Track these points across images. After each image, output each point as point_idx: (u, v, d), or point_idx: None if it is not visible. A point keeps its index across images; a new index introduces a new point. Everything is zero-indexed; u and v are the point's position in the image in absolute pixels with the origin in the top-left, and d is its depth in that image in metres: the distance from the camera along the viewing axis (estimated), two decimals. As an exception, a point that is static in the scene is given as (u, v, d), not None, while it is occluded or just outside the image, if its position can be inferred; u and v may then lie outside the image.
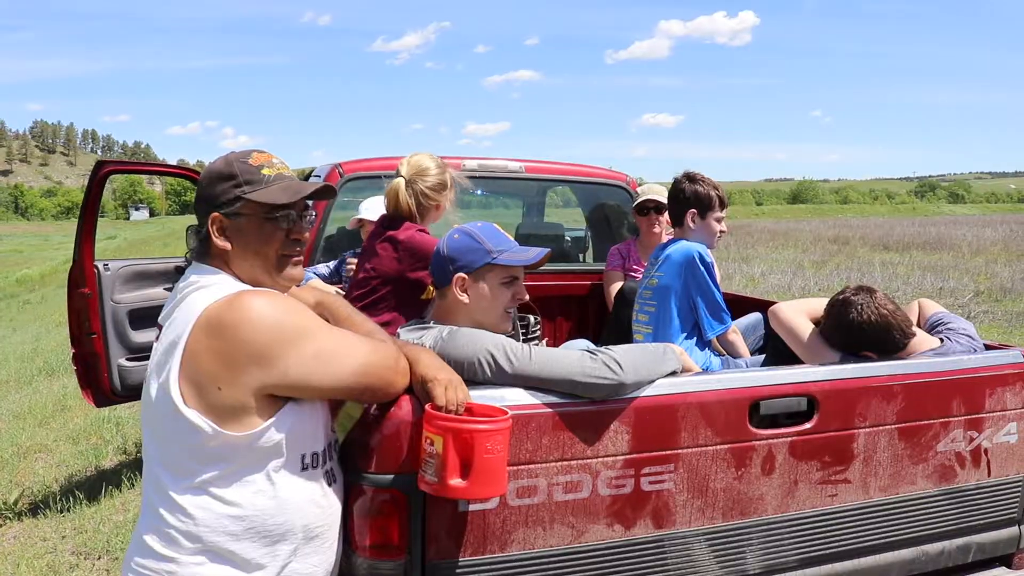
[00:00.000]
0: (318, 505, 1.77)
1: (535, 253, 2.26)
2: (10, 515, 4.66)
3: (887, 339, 2.58)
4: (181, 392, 1.63)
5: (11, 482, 5.21)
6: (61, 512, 4.66)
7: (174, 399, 1.63)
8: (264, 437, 1.67)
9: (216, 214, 1.76)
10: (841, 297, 2.65)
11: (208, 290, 1.71)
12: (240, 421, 1.64)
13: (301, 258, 1.85)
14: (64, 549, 4.17)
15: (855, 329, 2.58)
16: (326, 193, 1.88)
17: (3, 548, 4.25)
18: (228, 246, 1.77)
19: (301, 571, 1.76)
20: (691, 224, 3.36)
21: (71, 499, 4.75)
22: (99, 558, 4.04)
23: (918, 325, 2.85)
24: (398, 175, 3.14)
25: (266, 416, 1.67)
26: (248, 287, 1.75)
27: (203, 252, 1.81)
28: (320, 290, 2.17)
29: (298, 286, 3.63)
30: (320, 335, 1.71)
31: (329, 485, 1.82)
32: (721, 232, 3.41)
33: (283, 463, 1.71)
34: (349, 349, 1.75)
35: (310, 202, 1.87)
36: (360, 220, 4.06)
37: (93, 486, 5.03)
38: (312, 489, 1.76)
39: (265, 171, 1.79)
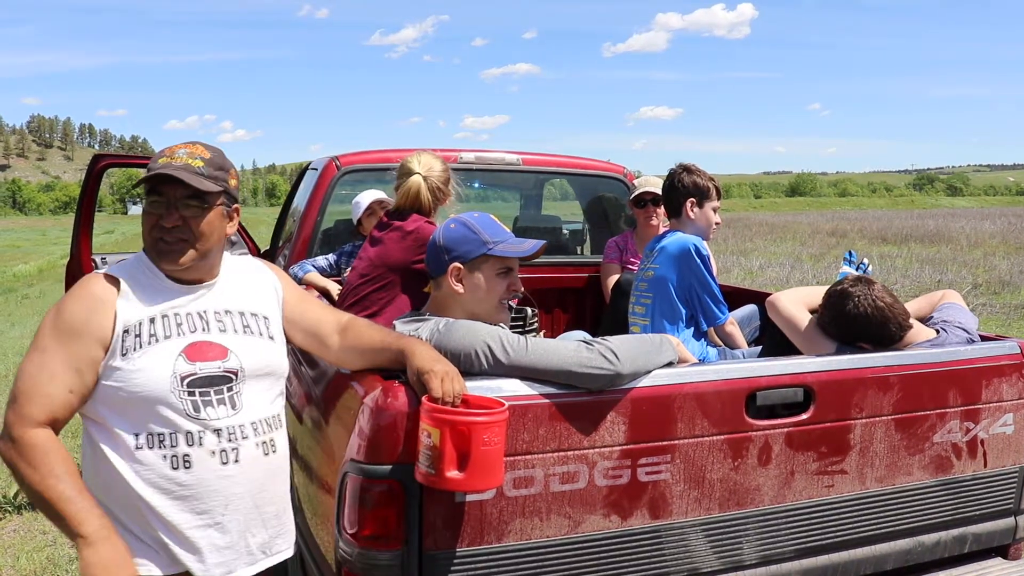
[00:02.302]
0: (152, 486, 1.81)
1: (531, 245, 2.26)
2: (10, 509, 4.67)
3: (884, 331, 2.58)
4: None
5: (11, 476, 5.21)
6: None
7: None
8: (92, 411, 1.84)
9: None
10: (839, 288, 2.65)
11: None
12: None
13: (179, 245, 1.86)
14: (63, 542, 4.18)
15: (852, 320, 2.58)
16: (159, 180, 1.84)
17: (3, 541, 4.26)
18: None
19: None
20: (690, 214, 3.37)
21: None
22: (98, 551, 4.04)
23: (929, 315, 2.86)
24: (413, 173, 3.19)
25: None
26: (113, 268, 1.93)
27: None
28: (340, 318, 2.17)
29: (297, 279, 3.64)
30: (38, 337, 1.83)
31: (174, 469, 1.81)
32: (716, 223, 3.42)
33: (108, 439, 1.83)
34: (24, 366, 1.82)
35: (207, 192, 1.86)
36: (371, 207, 4.09)
37: (92, 480, 5.03)
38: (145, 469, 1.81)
39: (161, 160, 1.86)
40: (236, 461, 1.86)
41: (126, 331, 1.82)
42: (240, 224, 5.82)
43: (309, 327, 2.11)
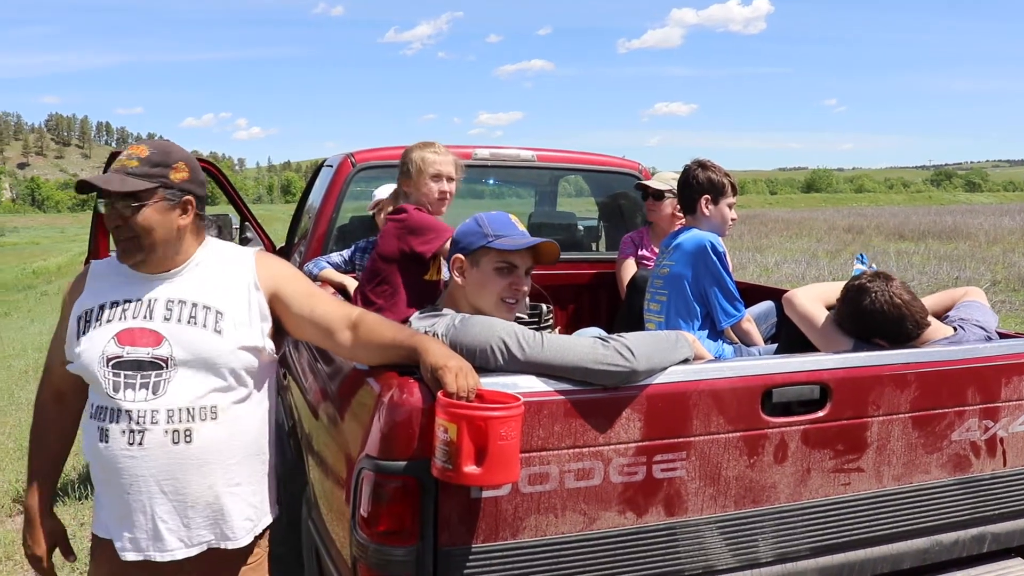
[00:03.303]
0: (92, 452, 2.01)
1: (527, 240, 2.26)
2: (29, 502, 4.72)
3: (900, 328, 2.56)
4: None
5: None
6: (79, 499, 4.72)
7: None
8: None
9: None
10: (856, 283, 2.63)
11: None
12: None
13: (126, 244, 1.99)
14: (83, 536, 4.22)
15: (868, 316, 2.56)
16: (87, 187, 2.01)
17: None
18: None
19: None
20: (704, 211, 3.35)
21: (88, 487, 4.79)
22: (116, 545, 4.08)
23: (947, 311, 2.83)
24: None
25: None
26: (97, 261, 2.16)
27: None
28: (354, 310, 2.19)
29: (312, 276, 3.66)
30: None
31: (100, 441, 1.97)
32: (732, 219, 3.41)
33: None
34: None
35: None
36: (378, 202, 4.07)
37: (110, 474, 5.08)
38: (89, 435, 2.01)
39: (114, 163, 2.02)
40: (140, 444, 1.94)
41: (79, 317, 2.02)
42: (256, 221, 5.86)
43: (318, 322, 2.11)
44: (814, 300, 2.81)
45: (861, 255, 3.34)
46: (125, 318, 1.99)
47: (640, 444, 2.03)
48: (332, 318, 2.11)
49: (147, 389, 1.95)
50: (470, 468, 1.75)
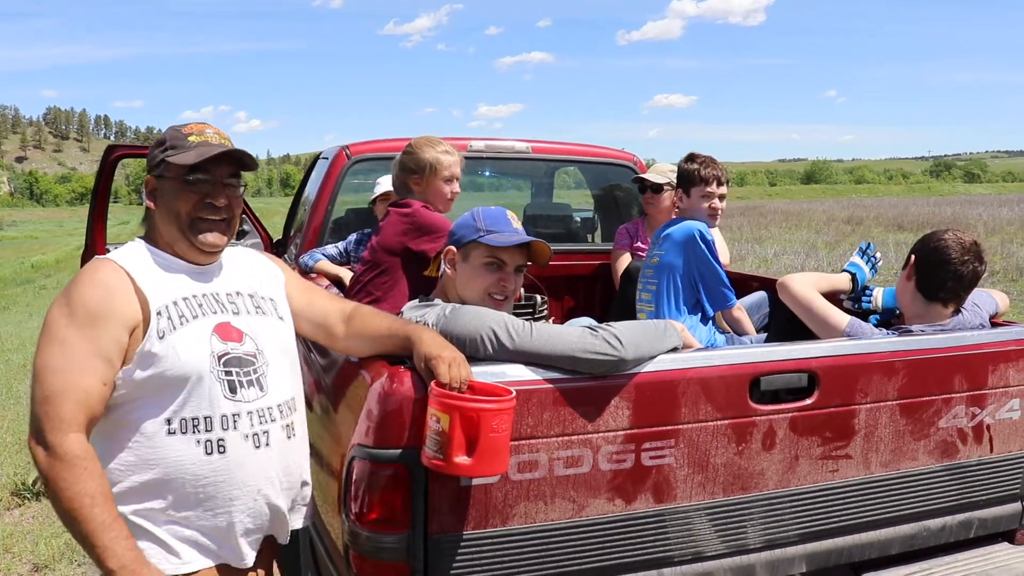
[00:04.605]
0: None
1: (516, 238, 2.26)
2: (29, 495, 4.75)
3: (955, 294, 2.61)
4: None
5: (29, 463, 5.30)
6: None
7: None
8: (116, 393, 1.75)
9: (148, 177, 1.88)
10: (976, 241, 2.65)
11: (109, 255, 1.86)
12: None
13: (220, 224, 1.89)
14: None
15: (950, 272, 2.58)
16: (233, 156, 1.88)
17: (23, 527, 4.33)
18: (153, 205, 1.87)
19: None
20: (678, 203, 3.40)
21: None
22: (115, 536, 4.11)
23: None
24: None
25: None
26: (113, 255, 1.84)
27: (145, 218, 1.92)
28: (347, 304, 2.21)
29: (308, 267, 3.66)
30: (53, 331, 1.71)
31: (208, 454, 1.78)
32: (713, 208, 3.34)
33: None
34: (46, 363, 1.70)
35: (244, 174, 1.93)
36: (384, 193, 4.08)
37: (109, 466, 5.10)
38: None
39: (192, 138, 1.86)
40: (267, 444, 1.86)
41: (159, 313, 1.76)
42: (253, 214, 5.88)
43: (315, 317, 2.14)
44: (810, 285, 2.82)
45: (868, 244, 3.22)
46: (205, 313, 1.83)
47: (629, 432, 2.05)
48: (328, 312, 2.14)
49: (256, 386, 1.85)
50: (461, 459, 1.76)
